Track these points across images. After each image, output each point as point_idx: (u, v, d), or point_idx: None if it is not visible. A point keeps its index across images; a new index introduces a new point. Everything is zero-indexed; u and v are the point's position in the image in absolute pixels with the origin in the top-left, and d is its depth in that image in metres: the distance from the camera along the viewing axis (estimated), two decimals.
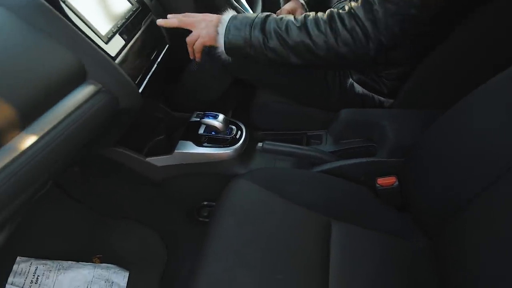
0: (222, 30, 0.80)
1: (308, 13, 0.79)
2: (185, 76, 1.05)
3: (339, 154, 0.93)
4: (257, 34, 0.77)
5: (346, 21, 0.73)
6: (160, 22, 0.83)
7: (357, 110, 0.93)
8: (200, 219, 1.05)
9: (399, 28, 0.71)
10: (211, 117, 0.95)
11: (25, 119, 0.55)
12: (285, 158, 0.97)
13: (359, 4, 0.73)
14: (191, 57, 0.88)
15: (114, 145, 0.95)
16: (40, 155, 0.55)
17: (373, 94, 0.97)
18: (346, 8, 0.75)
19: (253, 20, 0.78)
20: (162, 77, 1.01)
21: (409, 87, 0.87)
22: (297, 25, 0.76)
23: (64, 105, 0.62)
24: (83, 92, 0.65)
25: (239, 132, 0.99)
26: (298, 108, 1.07)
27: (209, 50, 0.91)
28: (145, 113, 1.07)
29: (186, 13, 0.84)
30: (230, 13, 0.82)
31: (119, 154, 0.96)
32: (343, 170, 0.86)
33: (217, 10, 1.12)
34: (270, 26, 0.77)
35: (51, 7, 0.62)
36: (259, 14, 0.80)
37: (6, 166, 0.50)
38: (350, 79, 1.00)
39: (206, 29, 0.82)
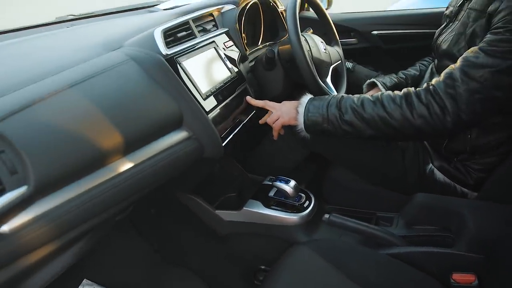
0: (301, 109, 0.89)
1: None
2: (265, 143, 1.14)
3: (410, 240, 0.87)
4: (333, 110, 0.84)
5: (423, 95, 0.75)
6: (249, 99, 0.97)
7: (435, 196, 0.88)
8: (256, 282, 1.04)
9: (481, 107, 0.71)
10: (283, 182, 0.99)
11: (128, 148, 0.66)
12: (350, 234, 0.94)
13: (441, 80, 0.75)
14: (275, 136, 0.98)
15: (189, 192, 1.04)
16: (132, 180, 0.65)
17: (456, 184, 0.92)
18: (424, 86, 0.78)
19: (330, 100, 0.86)
20: (244, 138, 1.10)
21: (496, 179, 0.82)
22: (372, 100, 0.80)
23: (159, 143, 0.73)
24: (177, 136, 0.76)
25: (307, 201, 1.00)
26: (371, 188, 1.05)
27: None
28: (223, 169, 1.16)
29: (262, 103, 0.99)
30: (308, 96, 0.92)
31: (191, 202, 1.04)
32: (413, 257, 0.80)
33: (303, 88, 1.24)
34: (346, 102, 0.83)
35: (169, 66, 0.76)
36: (335, 94, 0.86)
37: (104, 182, 0.60)
38: (431, 165, 0.97)
39: (286, 110, 0.92)
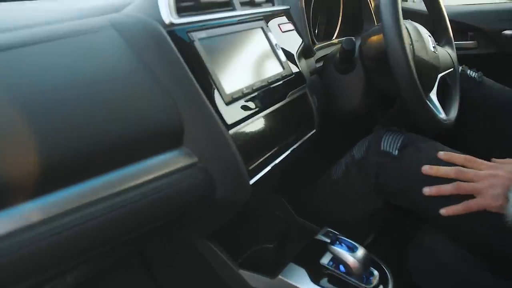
0: None
1: None
2: (322, 181, 0.78)
3: None
4: None
5: None
6: (425, 169, 0.62)
7: None
8: None
9: None
10: (345, 247, 0.62)
11: (99, 165, 0.39)
12: None
13: None
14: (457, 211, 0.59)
15: (206, 236, 0.72)
16: (106, 216, 0.39)
17: None
18: None
19: None
20: (292, 172, 0.76)
21: None
22: None
23: (144, 167, 0.43)
24: (172, 161, 0.45)
25: (381, 286, 0.62)
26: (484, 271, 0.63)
27: (360, 161, 0.64)
28: (260, 204, 0.82)
29: (469, 158, 0.61)
30: None
31: (208, 251, 0.72)
32: None
33: (394, 102, 0.84)
34: None
35: (170, 42, 0.45)
36: None
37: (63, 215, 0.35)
38: None
39: (492, 189, 0.56)
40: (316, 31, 0.92)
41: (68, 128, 0.37)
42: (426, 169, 0.61)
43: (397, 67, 0.62)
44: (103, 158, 0.40)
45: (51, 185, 0.35)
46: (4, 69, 0.36)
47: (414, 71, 0.62)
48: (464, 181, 0.58)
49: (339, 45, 0.86)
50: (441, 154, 0.62)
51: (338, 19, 0.93)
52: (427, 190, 0.60)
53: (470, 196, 0.58)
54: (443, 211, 0.59)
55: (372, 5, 1.00)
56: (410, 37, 0.71)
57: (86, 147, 0.38)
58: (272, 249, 0.76)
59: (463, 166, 0.60)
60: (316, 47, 0.81)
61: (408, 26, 0.73)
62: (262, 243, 0.77)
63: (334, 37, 0.93)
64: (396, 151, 0.66)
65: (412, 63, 0.62)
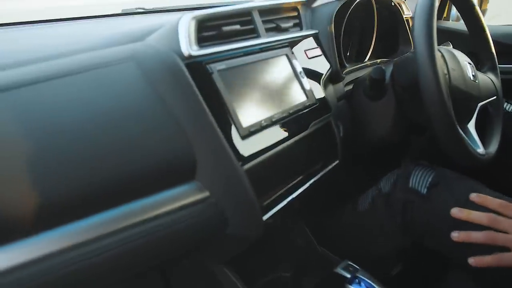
0: None
1: None
2: (348, 212, 0.74)
3: None
4: None
5: None
6: (455, 212, 0.57)
7: None
8: None
9: None
10: (362, 287, 0.59)
11: (110, 199, 0.39)
12: None
13: None
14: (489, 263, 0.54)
15: (223, 262, 0.70)
16: (112, 251, 0.39)
17: None
18: None
19: None
20: (316, 199, 0.73)
21: None
22: None
23: (155, 202, 0.43)
24: (183, 195, 0.44)
25: None
26: None
27: (387, 195, 0.61)
28: (281, 230, 0.80)
29: (506, 204, 0.55)
30: None
31: (223, 276, 0.71)
32: None
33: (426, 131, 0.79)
34: None
35: (187, 75, 0.45)
36: None
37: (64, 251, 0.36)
38: None
39: None
40: (348, 53, 0.89)
41: (79, 164, 0.38)
42: (456, 212, 0.56)
43: (428, 95, 0.58)
44: (114, 192, 0.40)
45: (52, 222, 0.36)
46: (22, 105, 0.37)
47: (447, 100, 0.58)
48: (498, 231, 0.53)
49: (370, 68, 0.83)
50: (474, 197, 0.57)
51: (372, 40, 0.89)
52: (455, 236, 0.55)
53: (503, 247, 0.52)
54: (472, 261, 0.54)
55: (410, 24, 0.96)
56: (447, 65, 0.67)
57: (97, 181, 0.39)
58: (288, 278, 0.74)
59: (498, 212, 0.54)
60: (346, 70, 0.78)
61: (445, 53, 0.68)
62: (280, 271, 0.75)
63: (366, 59, 0.89)
64: (425, 190, 0.62)
65: (445, 91, 0.58)
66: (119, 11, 1.05)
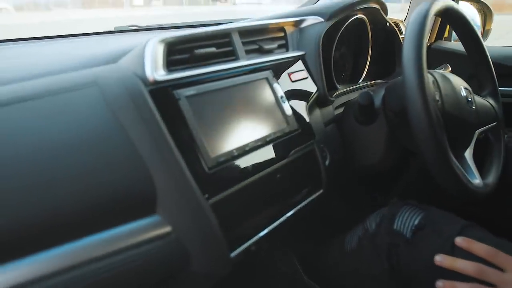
0: None
1: None
2: (336, 248, 0.70)
3: None
4: None
5: None
6: (438, 259, 0.52)
7: None
8: None
9: None
10: None
11: (64, 232, 0.36)
12: None
13: None
14: None
15: None
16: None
17: None
18: None
19: None
20: (302, 227, 0.69)
21: None
22: None
23: (112, 236, 0.40)
24: (141, 229, 0.41)
25: None
26: None
27: (372, 236, 0.57)
28: (267, 258, 0.76)
29: (493, 252, 0.51)
30: None
31: None
32: None
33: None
34: None
35: (149, 102, 0.42)
36: None
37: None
38: None
39: None
40: (343, 74, 0.86)
41: (33, 192, 0.36)
42: (439, 259, 0.51)
43: (416, 121, 0.54)
44: (69, 225, 0.37)
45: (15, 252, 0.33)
46: None
47: (438, 126, 0.54)
48: (486, 282, 0.48)
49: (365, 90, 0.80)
50: (459, 241, 0.52)
51: (366, 61, 0.86)
52: (440, 285, 0.50)
53: None
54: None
55: None
56: (440, 90, 0.63)
57: (52, 212, 0.36)
58: None
59: (485, 260, 0.49)
60: (337, 92, 0.74)
61: (438, 77, 0.65)
62: None
63: (360, 81, 0.86)
64: (410, 233, 0.58)
65: (435, 118, 0.54)
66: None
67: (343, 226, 0.71)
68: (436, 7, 0.60)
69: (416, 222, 0.58)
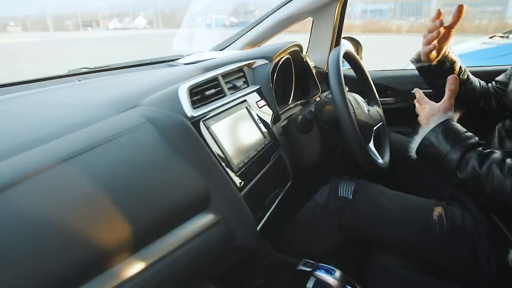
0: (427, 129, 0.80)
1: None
2: (294, 222, 0.96)
3: None
4: (454, 157, 0.73)
5: None
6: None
7: None
8: None
9: None
10: (323, 271, 0.79)
11: (139, 243, 0.49)
12: None
13: None
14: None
15: (209, 280, 0.84)
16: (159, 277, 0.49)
17: None
18: None
19: (461, 140, 0.75)
20: (279, 216, 0.92)
21: None
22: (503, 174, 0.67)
23: (179, 233, 0.56)
24: (201, 222, 0.59)
25: None
26: (432, 281, 0.84)
27: (323, 206, 0.83)
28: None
29: (420, 99, 0.89)
30: (451, 116, 0.81)
31: None
32: None
33: (342, 154, 1.06)
34: (470, 161, 0.71)
35: (195, 132, 0.61)
36: (473, 138, 0.76)
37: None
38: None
39: (428, 113, 0.84)
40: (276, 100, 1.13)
41: (127, 214, 0.48)
42: (418, 94, 0.90)
43: (347, 129, 0.83)
44: (150, 231, 0.51)
45: (117, 258, 0.46)
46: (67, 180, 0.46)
47: (358, 129, 0.85)
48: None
49: (295, 109, 1.08)
50: (417, 94, 0.91)
51: (291, 87, 1.15)
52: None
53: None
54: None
55: (315, 72, 1.26)
56: (352, 106, 0.95)
57: (138, 225, 0.49)
58: (262, 284, 0.90)
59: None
60: (281, 112, 1.01)
61: (350, 97, 0.97)
62: (254, 279, 0.91)
63: (290, 101, 1.15)
64: (351, 196, 0.87)
65: (355, 123, 0.84)
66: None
67: (296, 207, 0.97)
68: (342, 51, 0.92)
69: (352, 188, 0.87)
